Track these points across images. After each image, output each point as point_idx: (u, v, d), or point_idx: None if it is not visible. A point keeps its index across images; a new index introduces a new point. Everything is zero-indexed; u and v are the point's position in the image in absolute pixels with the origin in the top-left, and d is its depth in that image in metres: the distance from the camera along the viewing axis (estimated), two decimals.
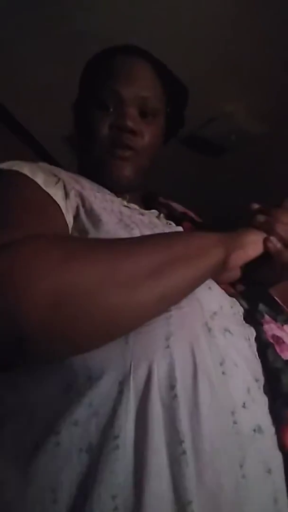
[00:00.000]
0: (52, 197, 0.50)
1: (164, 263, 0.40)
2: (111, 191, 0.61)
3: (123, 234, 0.49)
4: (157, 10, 1.28)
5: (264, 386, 0.42)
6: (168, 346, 0.40)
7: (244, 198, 0.58)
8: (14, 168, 0.52)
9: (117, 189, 0.63)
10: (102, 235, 0.48)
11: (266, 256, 0.51)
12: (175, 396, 0.37)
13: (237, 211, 0.57)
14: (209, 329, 0.43)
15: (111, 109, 0.63)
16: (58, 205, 0.50)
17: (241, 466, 0.36)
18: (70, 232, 0.50)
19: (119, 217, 0.53)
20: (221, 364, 0.41)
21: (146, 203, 0.71)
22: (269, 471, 0.37)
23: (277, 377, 0.43)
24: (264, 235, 0.51)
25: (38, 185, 0.51)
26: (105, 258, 0.38)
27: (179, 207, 0.75)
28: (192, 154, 1.94)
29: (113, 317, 0.36)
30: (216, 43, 1.39)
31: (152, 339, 0.40)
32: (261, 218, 0.52)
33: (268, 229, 0.51)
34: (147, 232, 0.51)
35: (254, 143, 1.81)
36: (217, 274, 0.48)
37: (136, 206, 0.62)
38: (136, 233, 0.50)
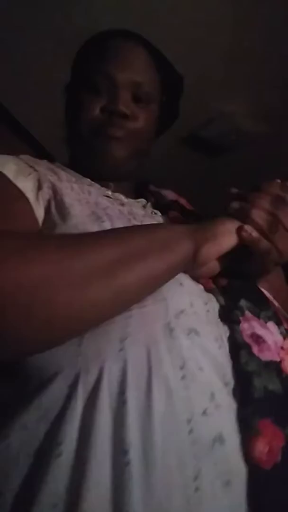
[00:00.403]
0: (20, 190, 0.49)
1: (118, 259, 0.37)
2: (99, 177, 0.59)
3: (92, 227, 0.46)
4: (157, 10, 1.29)
5: (235, 390, 0.39)
6: (122, 349, 0.37)
7: None
8: None
9: (107, 173, 0.60)
10: (70, 228, 0.46)
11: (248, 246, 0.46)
12: (125, 402, 0.35)
13: None
14: (171, 330, 0.39)
15: (103, 93, 0.60)
16: (27, 198, 0.49)
17: (195, 478, 0.33)
18: (40, 224, 0.48)
19: (92, 209, 0.50)
20: (181, 367, 0.38)
21: (137, 193, 0.69)
22: (227, 483, 0.34)
23: (248, 380, 0.39)
24: (240, 223, 0.46)
25: (6, 178, 0.49)
26: (55, 256, 0.35)
27: (170, 195, 0.72)
28: (192, 154, 1.94)
29: (61, 317, 0.34)
30: (216, 43, 1.39)
31: (106, 341, 0.38)
32: (235, 204, 0.47)
33: (243, 217, 0.46)
34: (120, 224, 0.48)
35: (254, 143, 1.81)
36: (189, 269, 0.45)
37: (121, 196, 0.59)
38: (107, 226, 0.48)
